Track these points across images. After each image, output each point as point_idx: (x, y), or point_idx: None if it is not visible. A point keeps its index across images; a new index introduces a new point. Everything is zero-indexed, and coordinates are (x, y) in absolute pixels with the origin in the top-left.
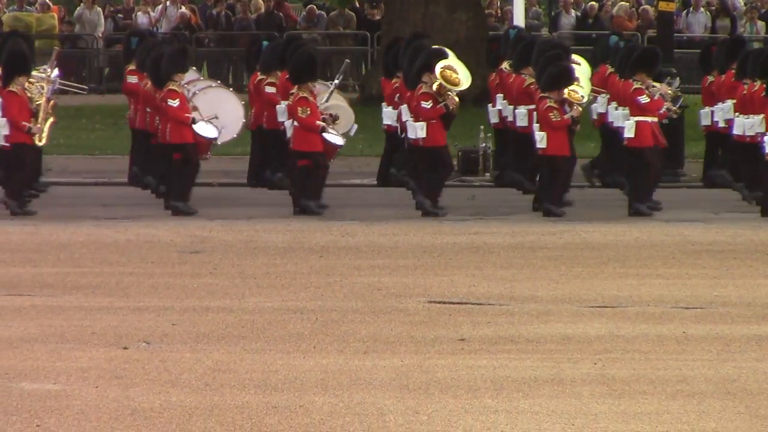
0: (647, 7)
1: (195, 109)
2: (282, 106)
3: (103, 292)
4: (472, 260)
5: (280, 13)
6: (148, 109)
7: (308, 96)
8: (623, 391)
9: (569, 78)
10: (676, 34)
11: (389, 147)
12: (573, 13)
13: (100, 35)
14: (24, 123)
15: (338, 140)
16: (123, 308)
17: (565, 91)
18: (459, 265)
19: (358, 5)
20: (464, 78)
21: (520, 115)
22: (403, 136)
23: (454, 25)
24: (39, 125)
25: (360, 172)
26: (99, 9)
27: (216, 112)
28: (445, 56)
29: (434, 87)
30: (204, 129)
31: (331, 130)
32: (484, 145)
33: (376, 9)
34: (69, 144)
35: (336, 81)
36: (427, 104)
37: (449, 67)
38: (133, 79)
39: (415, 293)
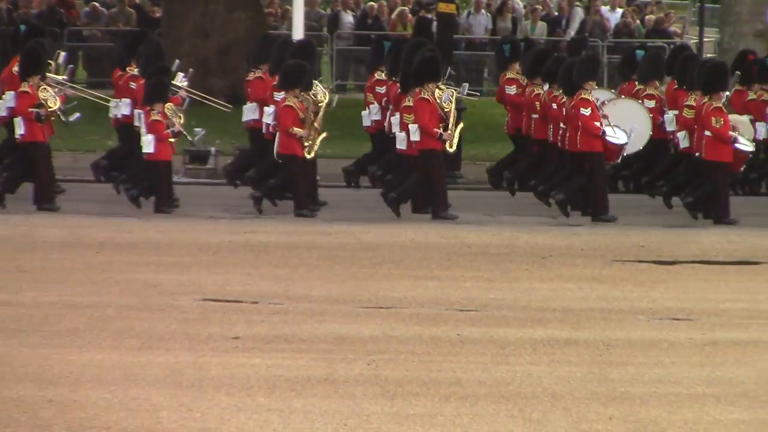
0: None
1: (605, 117)
2: (670, 116)
3: None
4: (248, 259)
5: (62, 9)
6: (534, 116)
7: (721, 106)
8: (396, 392)
9: None
10: (456, 36)
11: None
12: (350, 13)
13: None
14: (435, 129)
15: (748, 147)
16: None
17: None
18: (234, 264)
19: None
20: None
21: None
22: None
23: (233, 24)
24: (449, 132)
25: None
26: None
27: (629, 124)
28: None
29: None
30: (614, 136)
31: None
32: None
33: (156, 6)
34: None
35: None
36: None
37: None
38: (511, 90)
39: (189, 291)
